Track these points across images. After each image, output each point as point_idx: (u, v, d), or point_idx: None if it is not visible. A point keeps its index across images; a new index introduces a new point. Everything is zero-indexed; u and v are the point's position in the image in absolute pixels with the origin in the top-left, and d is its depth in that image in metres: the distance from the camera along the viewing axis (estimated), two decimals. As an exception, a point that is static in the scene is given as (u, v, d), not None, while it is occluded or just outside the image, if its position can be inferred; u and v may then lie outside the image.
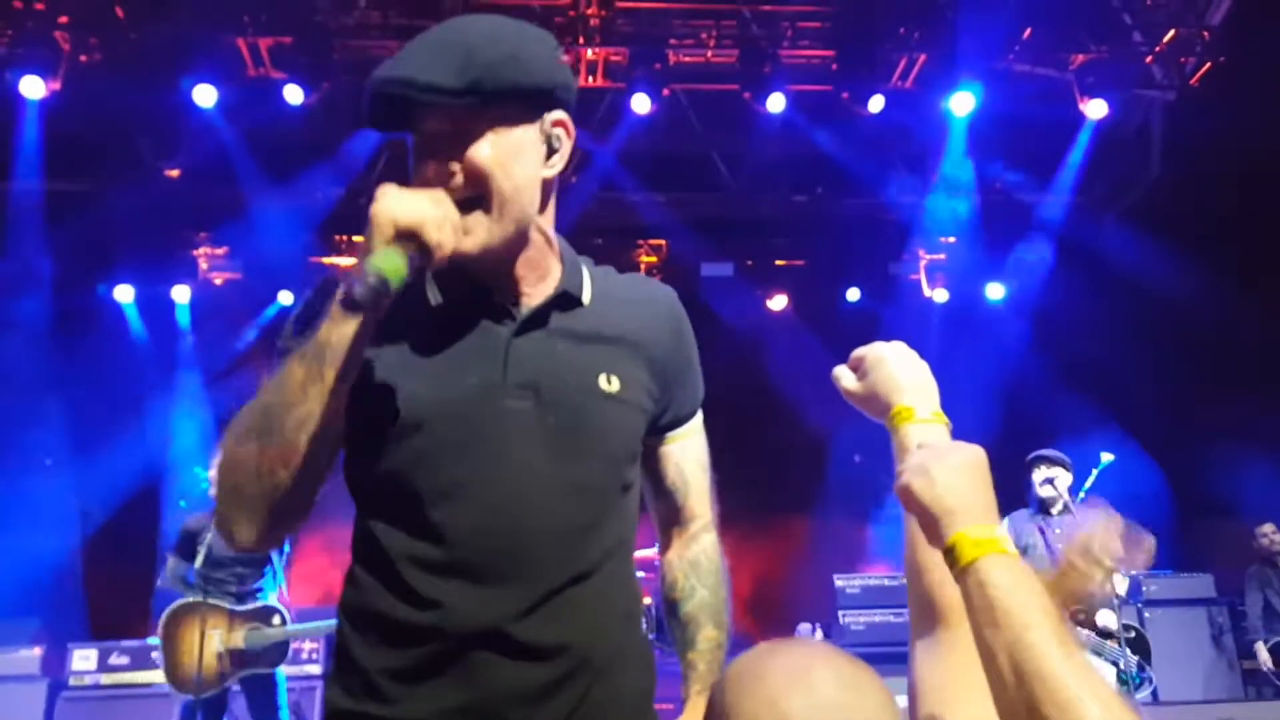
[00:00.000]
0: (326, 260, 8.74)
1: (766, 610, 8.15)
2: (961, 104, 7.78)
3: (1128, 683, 4.97)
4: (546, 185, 1.46)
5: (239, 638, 5.15)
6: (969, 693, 1.11)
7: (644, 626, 1.59)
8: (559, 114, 1.44)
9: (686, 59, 7.83)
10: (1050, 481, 5.32)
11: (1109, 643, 5.04)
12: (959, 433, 1.32)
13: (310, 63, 7.24)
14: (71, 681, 6.19)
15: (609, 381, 1.47)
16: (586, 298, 1.54)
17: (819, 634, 7.10)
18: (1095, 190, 8.68)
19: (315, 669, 6.41)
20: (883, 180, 8.71)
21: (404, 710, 1.36)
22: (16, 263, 8.04)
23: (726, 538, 1.71)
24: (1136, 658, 5.25)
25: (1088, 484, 5.53)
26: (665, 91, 7.75)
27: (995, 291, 9.53)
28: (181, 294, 8.83)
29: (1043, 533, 5.30)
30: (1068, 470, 5.37)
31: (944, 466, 1.15)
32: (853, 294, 9.38)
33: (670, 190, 8.70)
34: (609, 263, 1.65)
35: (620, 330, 1.53)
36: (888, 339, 1.45)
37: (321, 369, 1.31)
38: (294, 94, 7.29)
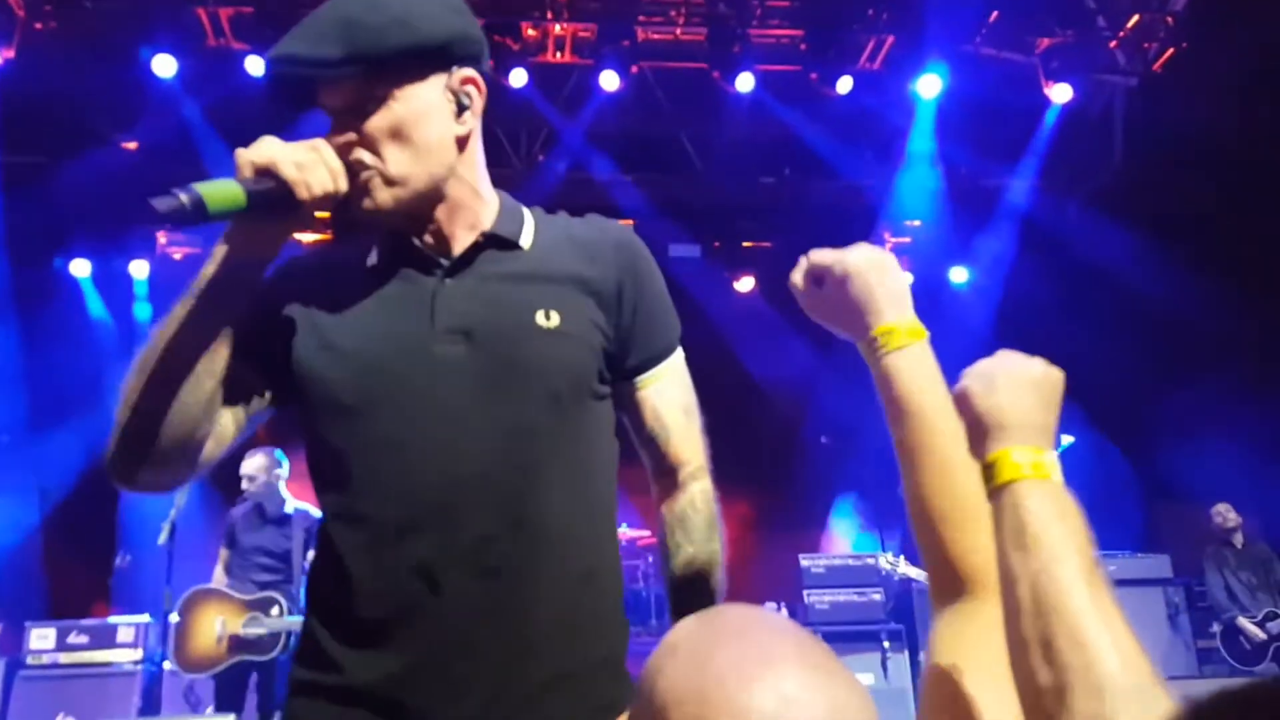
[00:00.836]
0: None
1: (732, 590, 8.00)
2: (928, 86, 7.79)
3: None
4: (462, 139, 1.45)
5: (239, 624, 5.28)
6: (981, 672, 1.04)
7: (616, 590, 1.50)
8: (467, 71, 1.44)
9: (655, 36, 7.77)
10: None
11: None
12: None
13: (272, 34, 7.08)
14: (29, 660, 6.09)
15: (547, 317, 1.44)
16: (527, 242, 1.52)
17: (784, 612, 7.16)
18: (1059, 175, 8.75)
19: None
20: (851, 163, 8.69)
21: (350, 678, 1.35)
22: (-31, 236, 7.86)
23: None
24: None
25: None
26: (634, 69, 7.71)
27: (959, 275, 9.59)
28: (140, 269, 8.68)
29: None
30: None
31: (1012, 379, 1.06)
32: (820, 276, 9.38)
33: (638, 171, 8.66)
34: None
35: (564, 269, 1.50)
36: None
37: (195, 301, 1.32)
38: (255, 65, 7.15)
